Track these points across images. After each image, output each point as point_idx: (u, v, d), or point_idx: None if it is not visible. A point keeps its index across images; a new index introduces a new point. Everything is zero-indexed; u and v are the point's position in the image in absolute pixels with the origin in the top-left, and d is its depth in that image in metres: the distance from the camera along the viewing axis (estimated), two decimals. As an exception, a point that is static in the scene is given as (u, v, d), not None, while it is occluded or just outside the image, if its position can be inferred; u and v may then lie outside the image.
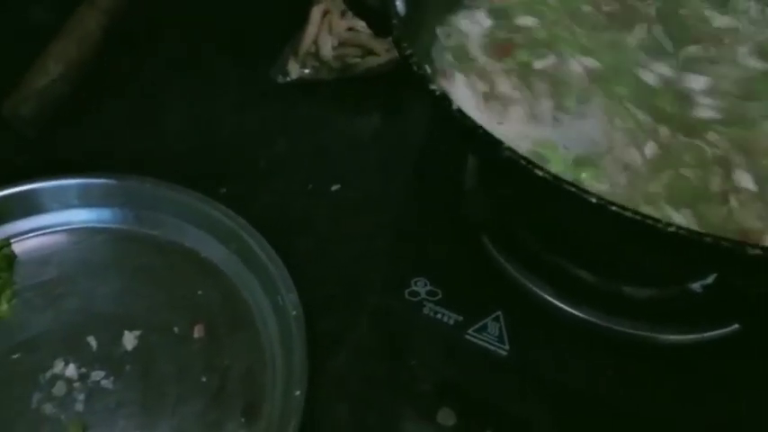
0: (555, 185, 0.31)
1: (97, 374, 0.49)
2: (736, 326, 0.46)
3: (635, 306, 0.47)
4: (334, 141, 0.64)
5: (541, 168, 0.31)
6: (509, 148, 0.32)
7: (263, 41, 0.68)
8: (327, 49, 0.66)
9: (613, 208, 0.30)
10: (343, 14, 0.65)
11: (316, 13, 0.66)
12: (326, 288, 0.53)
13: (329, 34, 0.66)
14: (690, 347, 0.46)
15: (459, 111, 0.34)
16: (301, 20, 0.67)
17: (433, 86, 0.35)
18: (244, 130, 0.64)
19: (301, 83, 0.67)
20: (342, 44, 0.66)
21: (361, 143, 0.64)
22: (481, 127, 0.33)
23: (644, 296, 0.47)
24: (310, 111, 0.66)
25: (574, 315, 0.47)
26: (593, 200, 0.30)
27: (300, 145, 0.63)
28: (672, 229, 0.30)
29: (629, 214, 0.30)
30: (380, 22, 0.40)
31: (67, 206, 0.56)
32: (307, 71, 0.67)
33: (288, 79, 0.67)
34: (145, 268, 0.54)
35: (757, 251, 0.29)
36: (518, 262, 0.48)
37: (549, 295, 0.47)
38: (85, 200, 0.56)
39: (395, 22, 0.39)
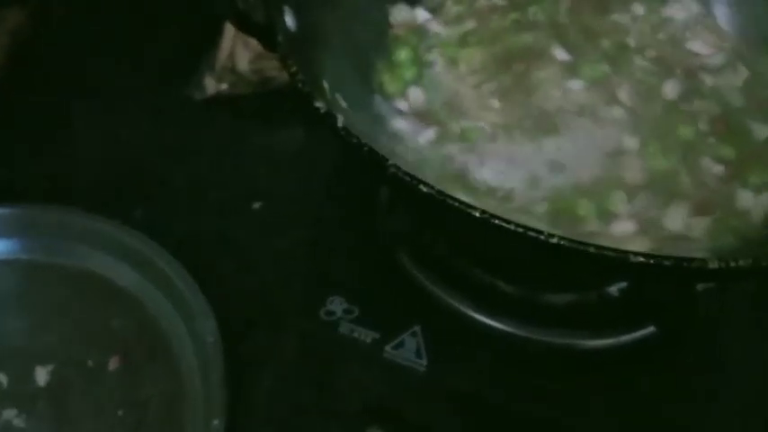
0: (439, 200, 0.30)
1: (8, 413, 0.47)
2: (652, 328, 0.46)
3: (553, 313, 0.47)
4: (254, 157, 0.62)
5: (425, 184, 0.31)
6: (394, 165, 0.31)
7: (178, 58, 0.67)
8: (244, 63, 0.64)
9: (496, 221, 0.29)
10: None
11: (230, 27, 0.65)
12: (246, 312, 0.51)
13: (245, 48, 0.65)
14: (609, 352, 0.46)
15: (345, 129, 0.33)
16: (216, 35, 0.65)
17: (318, 104, 0.34)
18: (159, 149, 0.62)
19: (219, 98, 0.65)
20: (258, 57, 0.64)
21: (282, 158, 0.62)
22: (366, 144, 0.32)
23: (561, 302, 0.46)
24: (229, 126, 0.65)
25: (491, 326, 0.46)
26: (477, 214, 0.30)
27: (219, 162, 0.62)
28: (554, 240, 0.29)
29: (511, 227, 0.29)
30: (268, 38, 0.39)
31: (-29, 238, 0.54)
32: (224, 86, 0.65)
33: (205, 95, 0.65)
34: (55, 300, 0.53)
35: (640, 259, 0.28)
36: (433, 275, 0.47)
37: (467, 307, 0.47)
38: (-11, 231, 0.54)
39: (280, 38, 0.38)
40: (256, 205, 0.59)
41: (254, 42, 0.64)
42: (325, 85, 0.43)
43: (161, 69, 0.67)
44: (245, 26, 0.40)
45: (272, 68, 0.65)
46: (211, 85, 0.65)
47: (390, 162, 0.31)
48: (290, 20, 0.41)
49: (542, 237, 0.29)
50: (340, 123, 0.33)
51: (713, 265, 0.29)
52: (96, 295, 0.53)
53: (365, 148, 0.32)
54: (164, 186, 0.60)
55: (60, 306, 0.52)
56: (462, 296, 0.47)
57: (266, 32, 0.39)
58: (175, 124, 0.64)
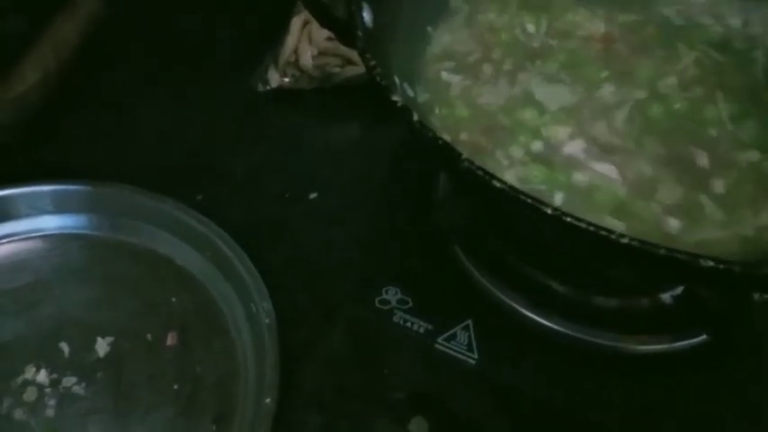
0: (512, 196, 0.31)
1: (69, 380, 0.49)
2: (705, 336, 0.46)
3: (605, 316, 0.47)
4: (313, 150, 0.64)
5: (499, 180, 0.32)
6: (467, 159, 0.32)
7: (245, 51, 0.69)
8: (307, 59, 0.66)
9: (568, 219, 0.30)
10: (322, 24, 0.66)
11: (296, 22, 0.67)
12: (300, 297, 0.53)
13: (309, 44, 0.66)
14: (659, 358, 0.46)
15: (420, 123, 0.34)
16: (282, 29, 0.67)
17: (395, 98, 0.35)
18: (222, 137, 0.64)
19: (281, 92, 0.67)
20: (321, 54, 0.66)
21: (339, 152, 0.64)
22: (440, 138, 0.33)
23: (613, 306, 0.47)
24: (289, 119, 0.66)
25: (543, 325, 0.47)
26: (549, 210, 0.31)
27: (278, 153, 0.64)
28: (625, 240, 0.30)
29: (582, 225, 0.30)
30: (346, 32, 0.40)
31: (42, 212, 0.56)
32: (287, 80, 0.67)
33: (267, 88, 0.67)
34: (119, 275, 0.55)
35: (710, 263, 0.29)
36: (488, 271, 0.48)
37: (519, 305, 0.48)
38: (60, 206, 0.56)
39: (359, 33, 0.39)
40: (313, 196, 0.60)
41: (317, 39, 0.67)
42: (396, 78, 0.44)
43: (229, 60, 0.69)
44: (326, 20, 0.41)
45: (334, 65, 0.67)
46: (275, 79, 0.67)
47: (464, 156, 0.32)
48: (367, 15, 0.42)
49: (613, 236, 0.30)
50: (415, 117, 0.34)
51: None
52: (158, 273, 0.55)
53: (439, 142, 0.33)
54: (224, 174, 0.62)
55: (123, 281, 0.54)
56: (514, 293, 0.48)
57: (346, 27, 0.40)
58: (239, 114, 0.66)
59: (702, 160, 0.44)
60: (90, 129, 0.62)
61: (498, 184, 0.31)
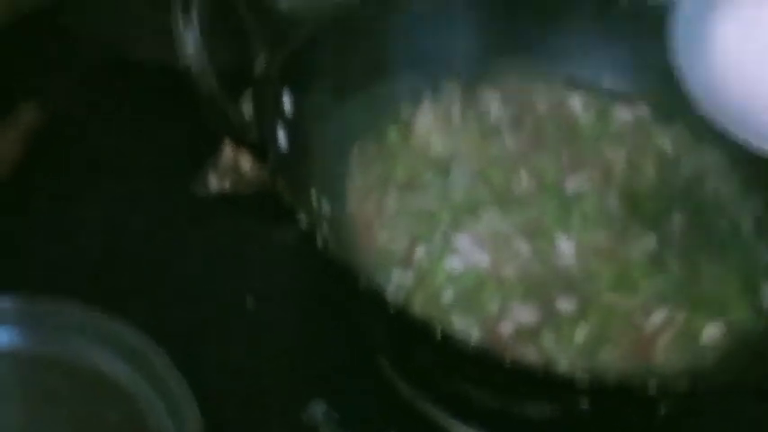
0: (406, 321, 0.31)
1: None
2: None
3: (531, 424, 0.47)
4: (252, 255, 0.64)
5: (393, 306, 0.32)
6: (368, 279, 0.33)
7: (186, 155, 0.70)
8: (246, 165, 0.67)
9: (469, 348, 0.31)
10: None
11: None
12: (232, 411, 0.52)
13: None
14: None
15: (325, 246, 0.35)
16: (220, 136, 0.68)
17: (300, 217, 0.36)
18: (158, 242, 0.64)
19: (221, 196, 0.68)
20: (260, 158, 0.67)
21: (277, 258, 0.64)
22: (340, 260, 0.34)
23: (536, 415, 0.47)
24: (229, 224, 0.66)
25: (467, 434, 0.46)
26: (439, 336, 0.31)
27: (217, 258, 0.64)
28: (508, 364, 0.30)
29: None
30: (260, 155, 0.41)
31: (-36, 329, 0.55)
32: (227, 185, 0.68)
33: (208, 192, 0.68)
34: (48, 393, 0.53)
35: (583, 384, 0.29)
36: (413, 381, 0.48)
37: (446, 415, 0.47)
38: (-14, 320, 0.55)
39: (271, 156, 0.40)
40: (249, 302, 0.60)
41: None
42: (313, 192, 0.45)
43: (167, 166, 0.69)
44: (240, 143, 0.43)
45: (273, 169, 0.68)
46: (215, 183, 0.68)
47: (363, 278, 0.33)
48: (282, 137, 0.43)
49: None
50: (319, 242, 0.35)
51: (652, 390, 0.29)
52: (90, 387, 0.53)
53: (339, 264, 0.34)
54: (162, 279, 0.61)
55: (53, 399, 0.53)
56: (441, 404, 0.48)
57: (259, 150, 0.42)
58: (177, 220, 0.66)
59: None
60: (23, 239, 0.62)
61: (392, 311, 0.32)
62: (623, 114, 0.60)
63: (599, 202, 0.52)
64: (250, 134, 0.43)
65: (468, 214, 0.51)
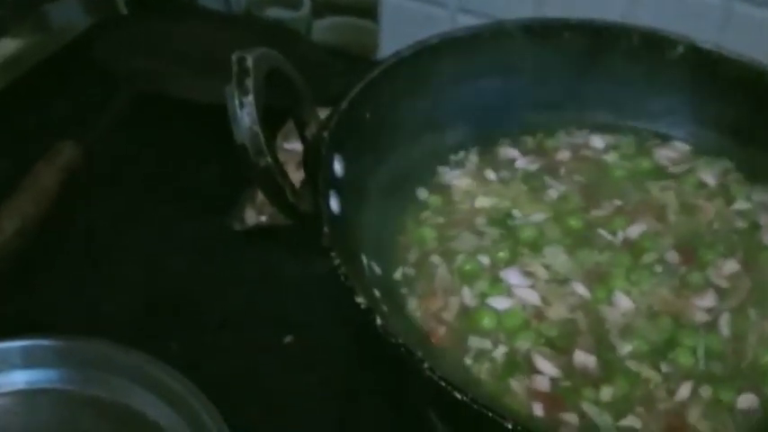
0: (475, 410, 0.31)
1: None
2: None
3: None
4: (290, 290, 0.64)
5: (461, 391, 0.31)
6: (430, 369, 0.32)
7: (222, 191, 0.69)
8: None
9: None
10: (298, 165, 0.67)
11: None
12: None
13: (285, 181, 0.67)
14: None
15: (384, 327, 0.35)
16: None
17: (358, 300, 0.36)
18: (198, 279, 0.64)
19: (258, 230, 0.67)
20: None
21: (315, 291, 0.64)
22: (402, 345, 0.33)
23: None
24: (266, 258, 0.66)
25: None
26: (510, 425, 0.30)
27: (256, 293, 0.63)
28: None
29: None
30: (313, 226, 0.41)
31: (10, 367, 0.55)
32: (263, 218, 0.67)
33: (245, 226, 0.68)
34: (89, 431, 0.54)
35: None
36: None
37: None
38: (28, 361, 0.55)
39: (326, 229, 0.40)
40: (288, 339, 0.60)
41: (293, 176, 0.68)
42: (363, 258, 0.45)
43: (204, 201, 0.69)
44: (293, 216, 0.42)
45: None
46: (252, 217, 0.67)
47: (426, 365, 0.32)
48: (334, 204, 0.43)
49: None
50: (379, 321, 0.35)
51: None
52: (129, 428, 0.54)
53: (401, 350, 0.33)
54: (201, 318, 0.61)
55: (94, 437, 0.53)
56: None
57: (312, 222, 0.41)
58: (215, 255, 0.66)
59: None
60: (63, 278, 0.62)
61: (459, 396, 0.31)
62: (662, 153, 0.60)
63: (659, 253, 0.51)
64: (302, 205, 0.42)
65: (529, 250, 0.51)
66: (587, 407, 0.43)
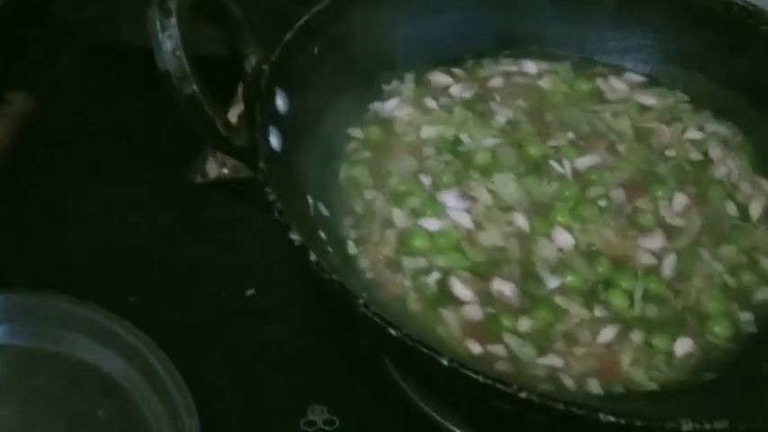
0: (409, 346, 0.30)
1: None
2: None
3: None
4: (252, 243, 0.62)
5: (396, 327, 0.30)
6: (364, 305, 0.31)
7: (181, 144, 0.67)
8: (246, 148, 0.65)
9: (467, 372, 0.29)
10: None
11: (233, 113, 0.65)
12: (231, 411, 0.51)
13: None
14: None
15: (318, 263, 0.33)
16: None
17: (293, 236, 0.34)
18: (159, 233, 0.62)
19: (220, 182, 0.65)
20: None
21: (280, 245, 0.62)
22: (336, 281, 0.32)
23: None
24: (228, 211, 0.65)
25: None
26: (445, 362, 0.29)
27: (216, 247, 0.62)
28: (523, 395, 0.28)
29: (479, 378, 0.29)
30: (250, 161, 0.39)
31: (-41, 323, 0.54)
32: (225, 171, 0.65)
33: (207, 179, 0.66)
34: (43, 388, 0.52)
35: (610, 419, 0.27)
36: (420, 385, 0.46)
37: (452, 422, 0.45)
38: (-22, 316, 0.54)
39: (261, 164, 0.38)
40: (250, 292, 0.58)
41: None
42: (309, 199, 0.43)
43: (163, 153, 0.67)
44: (227, 150, 0.40)
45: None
46: (213, 170, 0.65)
47: (361, 301, 0.31)
48: (275, 140, 0.41)
49: (510, 390, 0.28)
50: (312, 257, 0.33)
51: (687, 426, 0.28)
52: (84, 384, 0.52)
53: (335, 285, 0.32)
54: (162, 271, 0.60)
55: (46, 394, 0.52)
56: (448, 409, 0.46)
57: (249, 156, 0.39)
58: (177, 208, 0.64)
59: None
60: (16, 230, 0.61)
61: (394, 333, 0.30)
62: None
63: (606, 188, 0.50)
64: (237, 139, 0.40)
65: (480, 174, 0.50)
66: (508, 337, 0.42)
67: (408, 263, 0.45)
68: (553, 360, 0.41)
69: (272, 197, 0.36)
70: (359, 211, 0.47)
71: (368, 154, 0.51)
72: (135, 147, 0.67)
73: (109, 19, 0.72)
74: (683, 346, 0.43)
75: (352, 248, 0.46)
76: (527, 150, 0.52)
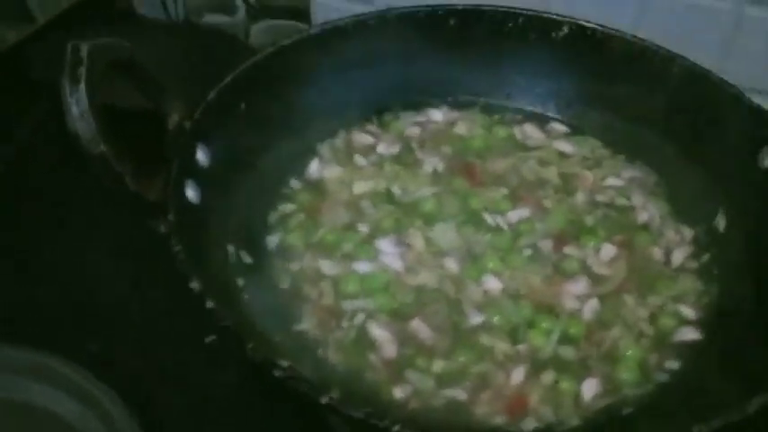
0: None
1: None
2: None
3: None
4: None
5: (279, 366, 0.32)
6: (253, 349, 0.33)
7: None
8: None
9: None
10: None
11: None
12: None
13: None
14: None
15: (217, 312, 0.35)
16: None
17: (192, 284, 0.37)
18: (119, 280, 0.64)
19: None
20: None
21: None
22: (231, 328, 0.34)
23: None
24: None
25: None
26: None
27: (177, 294, 0.63)
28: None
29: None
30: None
31: None
32: (188, 219, 0.68)
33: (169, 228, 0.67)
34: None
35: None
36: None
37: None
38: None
39: (170, 217, 0.41)
40: (209, 339, 0.60)
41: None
42: (230, 248, 0.45)
43: (129, 203, 0.69)
44: (139, 204, 0.43)
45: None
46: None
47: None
48: (192, 193, 0.43)
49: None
50: (209, 305, 0.35)
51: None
52: (39, 427, 0.54)
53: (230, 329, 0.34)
54: (121, 318, 0.61)
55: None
56: None
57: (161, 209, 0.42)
58: (137, 255, 0.66)
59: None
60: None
61: (277, 373, 0.32)
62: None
63: (535, 238, 0.52)
64: (150, 194, 0.43)
65: (420, 221, 0.52)
66: (412, 374, 0.43)
67: (347, 306, 0.47)
68: (457, 393, 0.42)
69: (176, 248, 0.39)
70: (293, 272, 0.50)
71: (301, 216, 0.53)
72: (102, 198, 0.69)
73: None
74: (590, 388, 0.44)
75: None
76: (468, 202, 0.54)
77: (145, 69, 0.44)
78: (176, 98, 0.46)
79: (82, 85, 0.38)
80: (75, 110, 0.39)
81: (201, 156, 0.46)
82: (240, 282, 0.44)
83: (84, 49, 0.39)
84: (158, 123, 0.46)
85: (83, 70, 0.38)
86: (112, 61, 0.41)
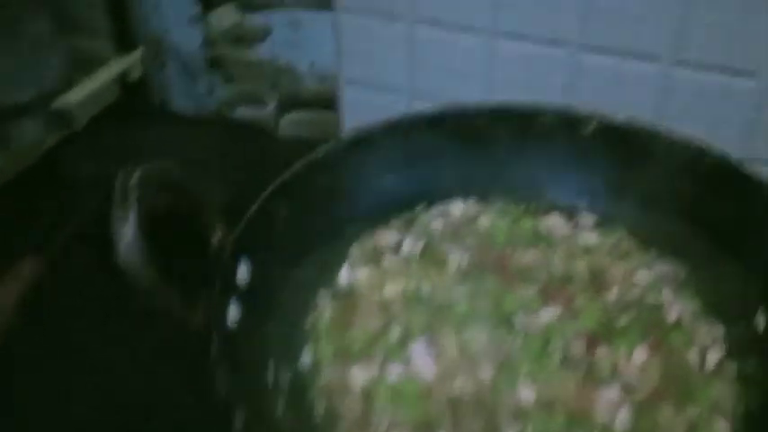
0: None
1: None
2: None
3: None
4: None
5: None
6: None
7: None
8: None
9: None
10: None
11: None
12: None
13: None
14: None
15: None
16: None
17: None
18: (156, 393, 0.63)
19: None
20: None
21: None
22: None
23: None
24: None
25: None
26: None
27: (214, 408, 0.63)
28: None
29: None
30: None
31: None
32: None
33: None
34: None
35: None
36: None
37: None
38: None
39: (216, 345, 0.41)
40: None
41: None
42: (271, 364, 0.45)
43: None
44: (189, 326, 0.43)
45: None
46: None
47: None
48: (234, 312, 0.44)
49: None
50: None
51: None
52: None
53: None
54: (159, 427, 0.60)
55: None
56: None
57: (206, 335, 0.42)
58: (176, 367, 0.66)
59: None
60: (21, 402, 0.62)
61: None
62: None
63: (565, 341, 0.50)
64: (195, 316, 0.43)
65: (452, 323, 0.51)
66: None
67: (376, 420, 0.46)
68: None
69: (221, 380, 0.39)
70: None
71: (332, 326, 0.53)
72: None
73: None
74: None
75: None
76: (501, 303, 0.53)
77: (186, 189, 0.46)
78: (216, 212, 0.47)
79: (132, 216, 0.39)
80: (124, 242, 0.39)
81: (243, 272, 0.46)
82: (280, 404, 0.44)
83: (135, 179, 0.40)
84: (200, 239, 0.47)
85: (131, 202, 0.39)
86: (160, 184, 0.42)
